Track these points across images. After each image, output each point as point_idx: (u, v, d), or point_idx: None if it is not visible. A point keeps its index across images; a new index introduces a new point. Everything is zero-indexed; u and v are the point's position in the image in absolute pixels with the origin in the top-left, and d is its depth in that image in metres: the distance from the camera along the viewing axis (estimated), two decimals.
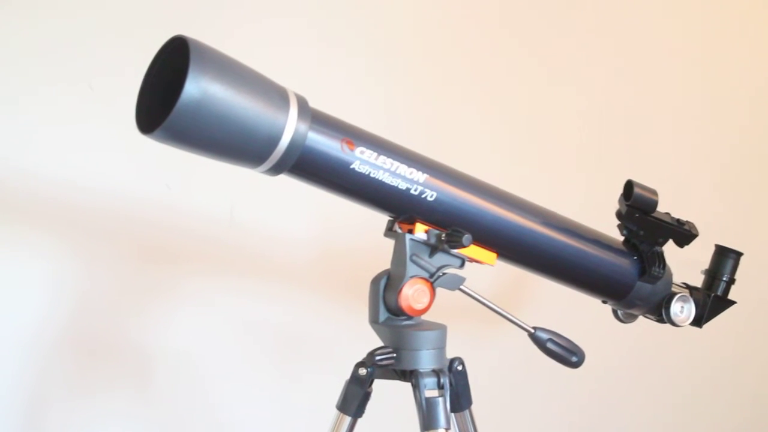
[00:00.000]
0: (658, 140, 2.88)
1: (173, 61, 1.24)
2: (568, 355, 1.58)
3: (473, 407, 1.61)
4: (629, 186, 1.64)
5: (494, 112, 2.66)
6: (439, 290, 1.48)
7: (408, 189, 1.41)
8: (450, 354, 1.54)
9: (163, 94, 1.24)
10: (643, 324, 1.85)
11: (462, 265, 1.52)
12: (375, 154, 1.38)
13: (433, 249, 1.48)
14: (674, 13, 2.93)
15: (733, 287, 1.79)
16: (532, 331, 1.57)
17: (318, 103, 1.38)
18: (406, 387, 1.48)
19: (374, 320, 1.51)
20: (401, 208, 1.45)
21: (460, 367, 1.55)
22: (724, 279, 1.78)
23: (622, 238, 1.71)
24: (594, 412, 2.91)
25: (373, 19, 2.49)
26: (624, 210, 1.64)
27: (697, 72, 2.96)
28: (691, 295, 1.74)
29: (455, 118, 2.59)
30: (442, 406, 1.43)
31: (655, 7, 2.91)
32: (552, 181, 2.68)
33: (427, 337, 1.47)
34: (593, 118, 2.80)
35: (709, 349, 2.94)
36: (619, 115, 2.83)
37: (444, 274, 1.49)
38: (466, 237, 1.42)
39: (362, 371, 1.51)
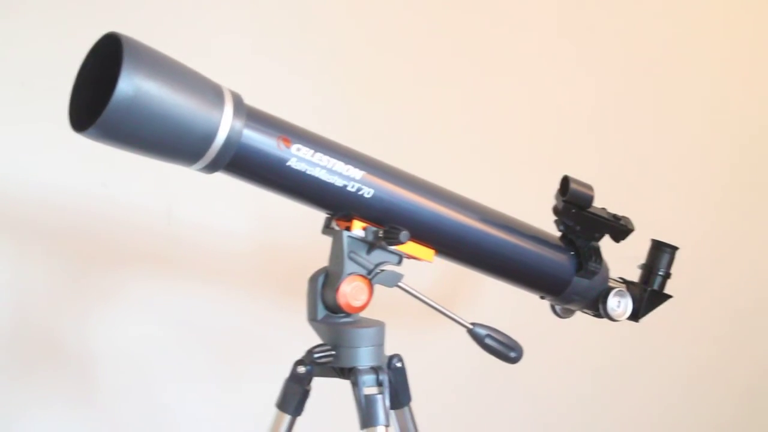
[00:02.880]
0: (605, 138, 2.91)
1: (107, 59, 1.23)
2: (506, 350, 1.58)
3: (413, 404, 1.62)
4: (565, 181, 1.65)
5: (445, 112, 2.67)
6: (377, 287, 1.48)
7: (345, 186, 1.41)
8: (389, 351, 1.54)
9: (97, 91, 1.22)
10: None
11: (400, 262, 1.52)
12: (311, 151, 1.37)
13: (370, 246, 1.48)
14: (634, 12, 2.97)
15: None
16: (471, 326, 1.57)
17: (261, 103, 1.38)
18: (345, 384, 1.48)
19: (312, 318, 1.51)
20: (338, 206, 1.45)
21: (399, 364, 1.55)
22: (660, 273, 1.79)
23: (559, 234, 1.73)
24: (553, 414, 2.94)
25: (318, 18, 2.48)
26: (560, 205, 1.66)
27: (649, 71, 2.99)
28: (628, 289, 1.76)
29: (404, 120, 2.59)
30: (381, 403, 1.44)
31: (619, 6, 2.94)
32: (500, 179, 2.70)
33: (366, 334, 1.47)
34: (543, 117, 2.81)
35: (692, 350, 3.01)
36: (565, 113, 2.85)
37: (382, 271, 1.49)
38: (404, 234, 1.42)
39: (301, 369, 1.50)
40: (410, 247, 1.50)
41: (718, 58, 3.13)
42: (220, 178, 1.41)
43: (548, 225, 1.72)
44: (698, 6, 3.10)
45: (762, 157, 3.22)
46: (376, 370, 1.47)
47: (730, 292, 3.11)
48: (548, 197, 1.71)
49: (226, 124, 1.28)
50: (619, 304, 1.74)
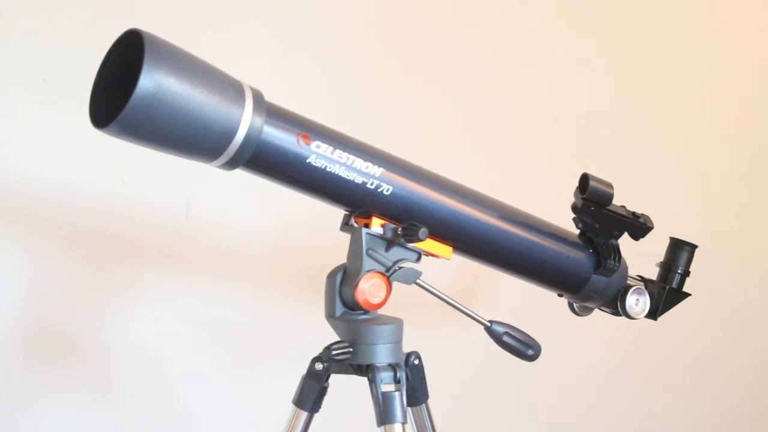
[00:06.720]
0: (618, 136, 2.90)
1: (128, 55, 1.23)
2: (524, 348, 1.58)
3: (430, 401, 1.62)
4: (585, 179, 1.64)
5: (464, 109, 2.66)
6: (395, 284, 1.48)
7: (364, 183, 1.41)
8: (407, 348, 1.54)
9: (118, 88, 1.22)
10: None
11: (418, 259, 1.52)
12: (331, 148, 1.37)
13: (389, 243, 1.48)
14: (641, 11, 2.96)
15: (688, 279, 1.80)
16: (489, 324, 1.57)
17: (281, 100, 1.38)
18: (362, 382, 1.48)
19: (330, 315, 1.50)
20: (357, 202, 1.45)
21: (416, 361, 1.55)
22: (679, 271, 1.79)
23: (577, 231, 1.72)
24: (560, 409, 2.93)
25: (338, 14, 2.48)
26: (579, 203, 1.65)
27: (654, 68, 2.98)
28: (646, 287, 1.75)
29: (421, 117, 2.58)
30: (399, 400, 1.43)
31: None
32: (519, 177, 2.70)
33: (384, 331, 1.47)
34: (554, 115, 2.81)
35: (696, 344, 2.99)
36: (579, 110, 2.84)
37: (400, 268, 1.49)
38: (423, 231, 1.42)
39: (318, 366, 1.50)
40: (429, 245, 1.50)
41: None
42: (239, 175, 1.41)
43: (567, 222, 1.72)
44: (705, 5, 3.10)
45: None
46: (393, 367, 1.46)
47: (736, 287, 3.10)
48: (567, 195, 1.70)
49: (246, 121, 1.28)
50: (638, 302, 1.73)
